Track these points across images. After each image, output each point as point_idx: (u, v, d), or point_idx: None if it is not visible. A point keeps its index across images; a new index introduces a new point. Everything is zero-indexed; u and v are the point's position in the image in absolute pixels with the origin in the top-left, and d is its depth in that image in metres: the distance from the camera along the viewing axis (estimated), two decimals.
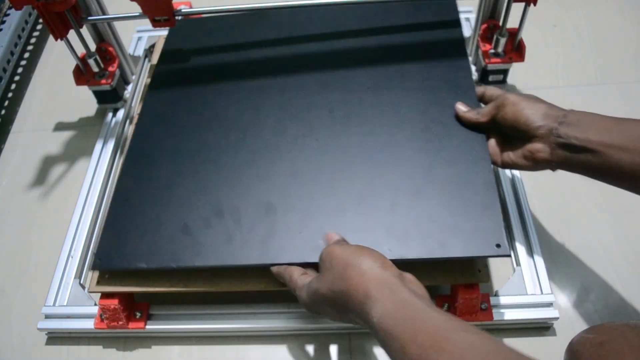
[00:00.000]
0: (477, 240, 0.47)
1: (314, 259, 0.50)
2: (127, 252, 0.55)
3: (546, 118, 0.48)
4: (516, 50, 0.71)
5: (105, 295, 0.56)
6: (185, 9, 0.67)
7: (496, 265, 0.63)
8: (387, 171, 0.56)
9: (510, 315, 0.56)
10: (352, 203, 0.54)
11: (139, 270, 0.54)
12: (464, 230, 0.50)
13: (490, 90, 0.56)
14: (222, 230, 0.55)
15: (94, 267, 0.55)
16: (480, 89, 0.58)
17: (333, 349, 0.59)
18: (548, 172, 0.70)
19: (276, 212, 0.55)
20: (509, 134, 0.53)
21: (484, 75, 0.74)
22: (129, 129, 0.78)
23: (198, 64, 0.73)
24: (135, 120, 0.69)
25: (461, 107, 0.57)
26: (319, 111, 0.64)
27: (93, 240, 0.67)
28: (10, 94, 0.90)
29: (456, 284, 0.54)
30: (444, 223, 0.51)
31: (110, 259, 0.55)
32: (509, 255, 0.51)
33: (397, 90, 0.64)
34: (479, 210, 0.52)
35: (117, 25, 0.76)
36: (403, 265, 0.43)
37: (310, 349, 0.59)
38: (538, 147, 0.49)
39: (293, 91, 0.67)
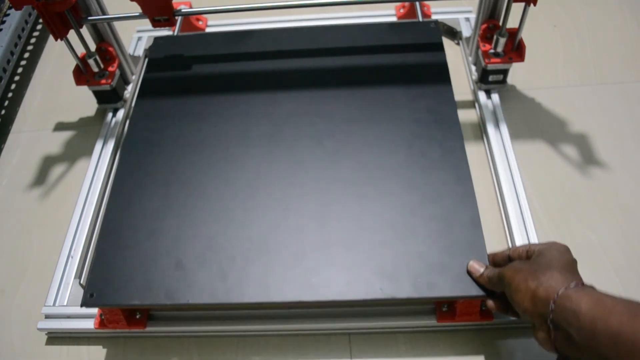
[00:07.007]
0: (463, 281, 0.48)
1: (309, 297, 0.51)
2: (119, 287, 0.53)
3: (535, 306, 0.44)
4: (516, 50, 0.71)
5: None
6: (185, 9, 0.67)
7: None
8: (375, 207, 0.57)
9: None
10: (343, 239, 0.55)
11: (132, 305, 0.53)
12: (451, 270, 0.52)
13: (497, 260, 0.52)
14: (216, 267, 0.54)
15: (84, 304, 0.53)
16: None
17: (333, 349, 0.59)
18: (548, 171, 0.70)
19: (269, 248, 0.55)
20: None
21: (484, 76, 0.74)
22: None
23: (184, 88, 0.71)
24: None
25: (474, 270, 0.52)
26: (308, 142, 0.63)
27: (93, 241, 0.67)
28: (10, 94, 0.90)
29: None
30: (432, 262, 0.53)
31: (102, 295, 0.53)
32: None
33: (384, 123, 0.64)
34: (466, 249, 0.53)
35: (117, 25, 0.76)
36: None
37: (310, 349, 0.59)
38: (540, 335, 0.45)
39: (282, 120, 0.66)
